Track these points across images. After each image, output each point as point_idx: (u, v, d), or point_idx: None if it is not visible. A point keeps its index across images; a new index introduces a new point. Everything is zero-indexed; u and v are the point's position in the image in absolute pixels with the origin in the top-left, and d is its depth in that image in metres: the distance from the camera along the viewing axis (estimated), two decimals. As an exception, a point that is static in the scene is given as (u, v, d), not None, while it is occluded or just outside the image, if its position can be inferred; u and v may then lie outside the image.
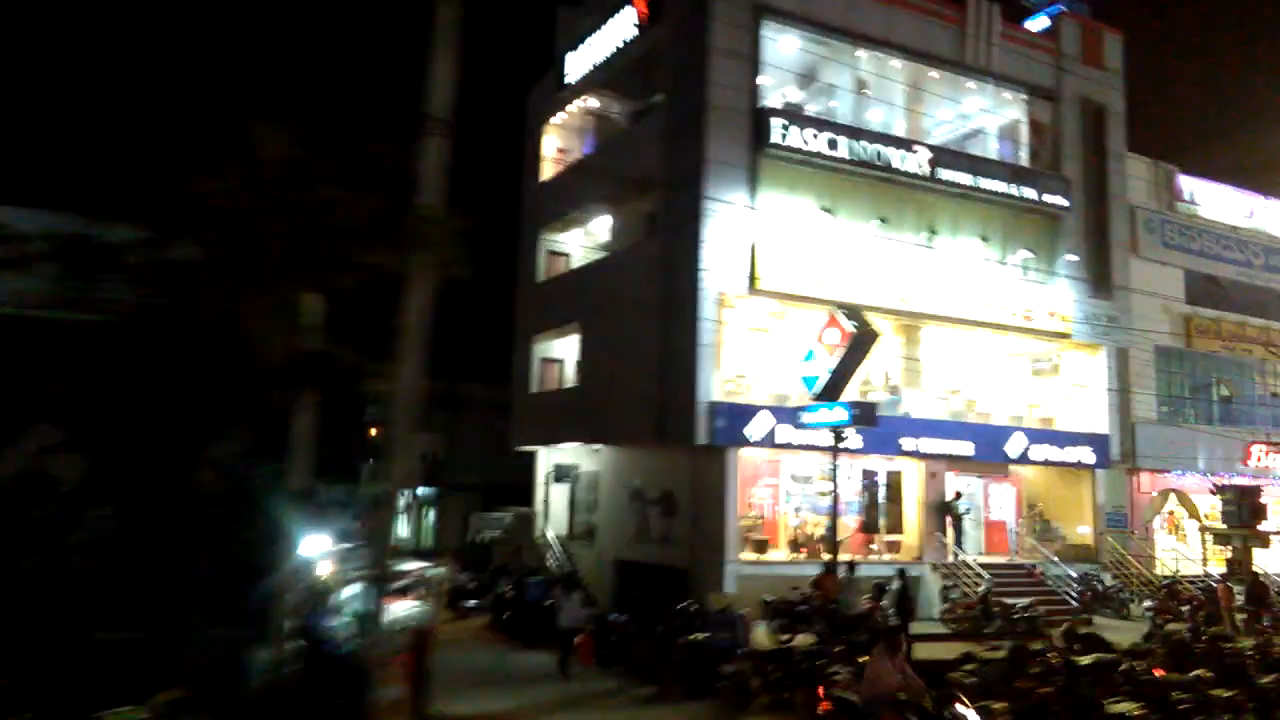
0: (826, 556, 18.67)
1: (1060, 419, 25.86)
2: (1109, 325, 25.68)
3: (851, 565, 18.51)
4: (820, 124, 22.16)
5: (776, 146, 21.29)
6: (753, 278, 20.78)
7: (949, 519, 22.85)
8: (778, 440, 20.55)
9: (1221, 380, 29.53)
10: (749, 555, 21.23)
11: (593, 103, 27.09)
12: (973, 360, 27.82)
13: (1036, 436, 24.22)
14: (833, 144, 21.85)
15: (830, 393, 19.02)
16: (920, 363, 23.99)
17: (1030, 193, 24.56)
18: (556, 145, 28.97)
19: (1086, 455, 24.76)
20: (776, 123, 21.28)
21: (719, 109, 21.10)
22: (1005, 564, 23.40)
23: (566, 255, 28.40)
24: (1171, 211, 28.66)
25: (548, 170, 29.02)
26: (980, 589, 20.29)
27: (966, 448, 22.95)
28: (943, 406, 25.29)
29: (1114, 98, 26.91)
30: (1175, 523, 30.17)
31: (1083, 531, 25.51)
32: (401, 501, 41.33)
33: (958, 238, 24.10)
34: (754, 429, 20.37)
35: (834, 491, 18.45)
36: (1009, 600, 19.89)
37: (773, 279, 20.88)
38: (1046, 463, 24.39)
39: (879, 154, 22.44)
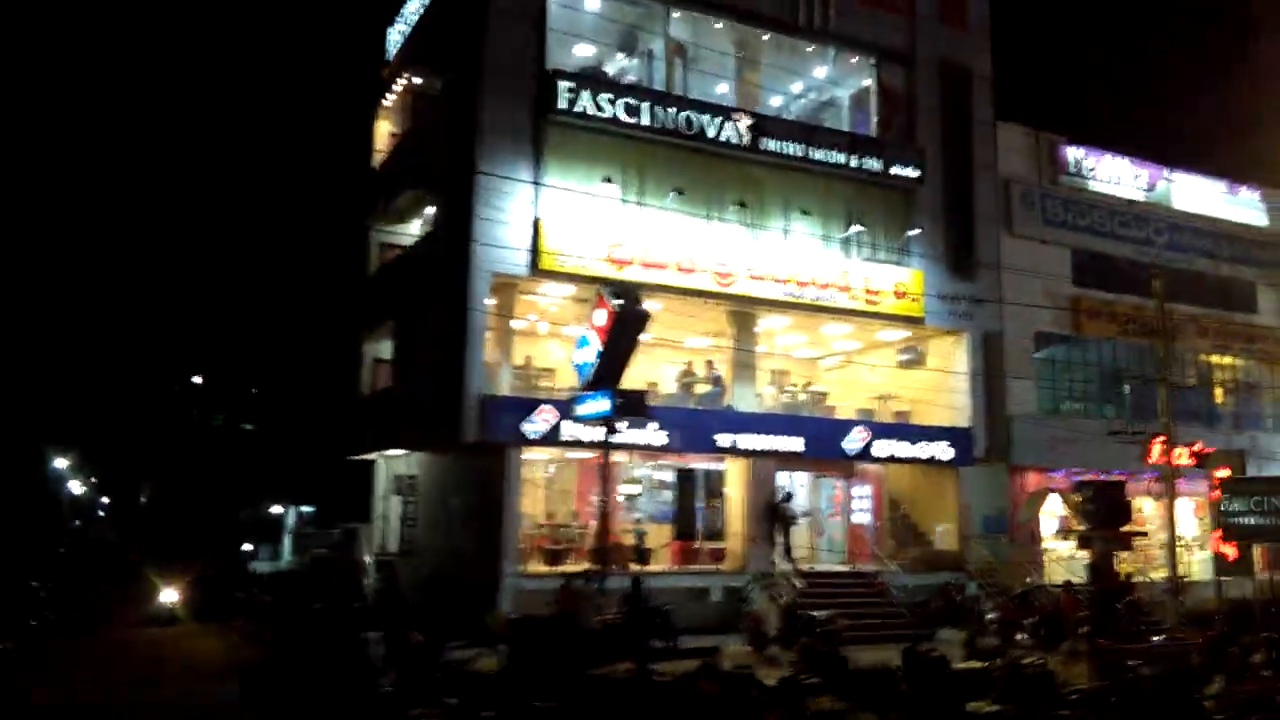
0: (581, 567, 16.52)
1: (928, 413, 23.64)
2: (971, 308, 23.46)
3: (587, 575, 16.38)
4: (616, 88, 20.09)
5: (565, 113, 19.21)
6: (536, 258, 18.69)
7: (779, 523, 20.62)
8: (563, 437, 18.38)
9: (1121, 370, 27.19)
10: (539, 567, 19.07)
11: (416, 80, 25.09)
12: (827, 350, 25.74)
13: (883, 431, 21.97)
14: (633, 110, 19.75)
15: (602, 381, 16.82)
16: (754, 353, 21.85)
17: (874, 164, 22.38)
18: (389, 129, 26.98)
19: (944, 451, 22.48)
20: (563, 86, 19.21)
21: (497, 72, 19.07)
22: (844, 572, 21.17)
23: (400, 248, 26.37)
24: (1054, 185, 26.37)
25: (382, 156, 27.03)
26: (783, 600, 18.09)
27: (795, 444, 20.72)
28: (783, 400, 23.24)
29: (979, 61, 24.74)
30: (1073, 525, 27.85)
31: (948, 535, 23.25)
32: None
33: (792, 215, 21.94)
34: (534, 425, 18.22)
35: (603, 494, 16.29)
36: (815, 613, 17.64)
37: (562, 259, 18.79)
38: (892, 459, 22.12)
39: (690, 121, 20.32)
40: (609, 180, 19.62)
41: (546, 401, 18.33)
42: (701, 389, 21.33)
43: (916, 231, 22.63)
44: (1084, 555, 24.13)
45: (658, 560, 20.43)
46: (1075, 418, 25.68)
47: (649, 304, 18.69)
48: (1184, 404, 28.03)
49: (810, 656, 14.24)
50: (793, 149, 21.38)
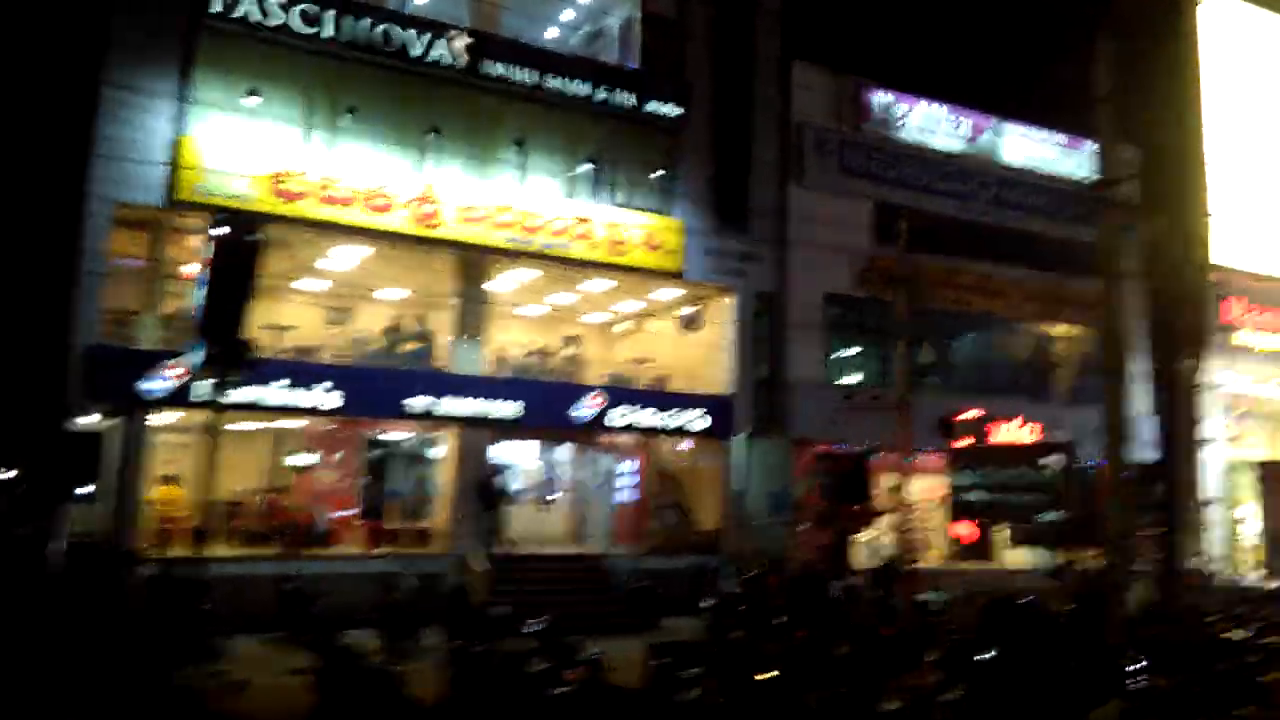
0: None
1: (701, 381, 21.31)
2: (743, 264, 21.06)
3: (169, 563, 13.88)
4: (291, -10, 17.26)
5: (223, 19, 16.41)
6: (175, 187, 15.95)
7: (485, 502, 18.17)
8: (194, 397, 15.72)
9: (925, 339, 24.97)
10: (183, 551, 16.49)
11: None
12: (603, 310, 23.27)
13: (622, 397, 19.55)
14: (311, 19, 16.97)
15: (210, 327, 14.17)
16: (487, 306, 19.36)
17: (627, 99, 19.82)
18: None
19: (698, 422, 20.14)
20: (219, -13, 16.42)
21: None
22: (562, 556, 18.82)
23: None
24: (857, 132, 23.95)
25: None
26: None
27: (510, 409, 18.24)
28: (530, 363, 20.78)
29: (768, -10, 22.25)
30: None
31: (714, 515, 20.99)
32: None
33: (532, 153, 19.36)
34: (156, 383, 15.56)
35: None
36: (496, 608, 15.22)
37: (205, 189, 16.03)
38: (632, 429, 19.73)
39: (388, 37, 17.61)
40: (254, 94, 16.78)
41: (173, 354, 15.60)
42: (406, 348, 18.78)
43: (661, 173, 20.13)
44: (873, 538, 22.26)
45: (352, 542, 18.01)
46: (874, 388, 23.44)
47: (356, 248, 16.35)
48: (1013, 378, 26.18)
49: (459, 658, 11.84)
50: (522, 76, 18.74)
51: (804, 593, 15.62)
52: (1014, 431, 24.71)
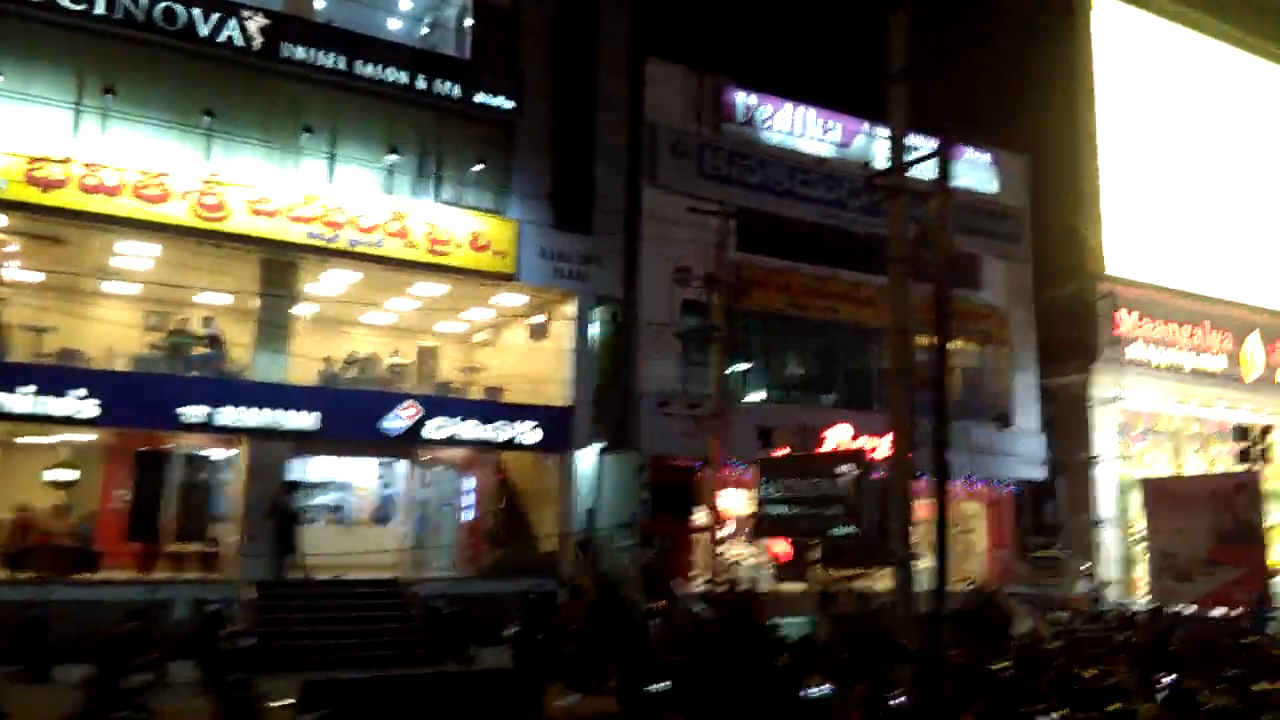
0: None
1: (546, 392, 19.91)
2: (585, 268, 19.77)
3: None
4: (55, -36, 15.89)
5: (-23, -7, 15.02)
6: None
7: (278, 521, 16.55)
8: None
9: (793, 349, 23.87)
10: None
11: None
12: (441, 315, 21.85)
13: (440, 408, 18.07)
14: (80, -7, 15.61)
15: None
16: (295, 309, 17.91)
17: (451, 90, 18.58)
18: None
19: (529, 435, 18.69)
20: (-31, -43, 15.03)
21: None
22: (370, 580, 17.20)
23: None
24: (717, 134, 22.88)
25: None
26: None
27: (304, 420, 16.69)
28: (351, 373, 19.28)
29: (614, -17, 21.19)
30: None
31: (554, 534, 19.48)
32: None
33: (342, 143, 18.00)
34: None
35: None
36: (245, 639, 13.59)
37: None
38: (454, 442, 18.24)
39: (170, 15, 16.24)
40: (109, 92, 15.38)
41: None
42: (193, 351, 17.20)
43: (493, 169, 18.84)
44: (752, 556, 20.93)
45: (124, 566, 16.30)
46: (702, 398, 22.13)
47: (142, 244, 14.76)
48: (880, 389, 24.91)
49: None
50: (328, 61, 17.45)
51: (603, 619, 14.14)
52: (876, 449, 23.51)
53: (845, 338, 24.26)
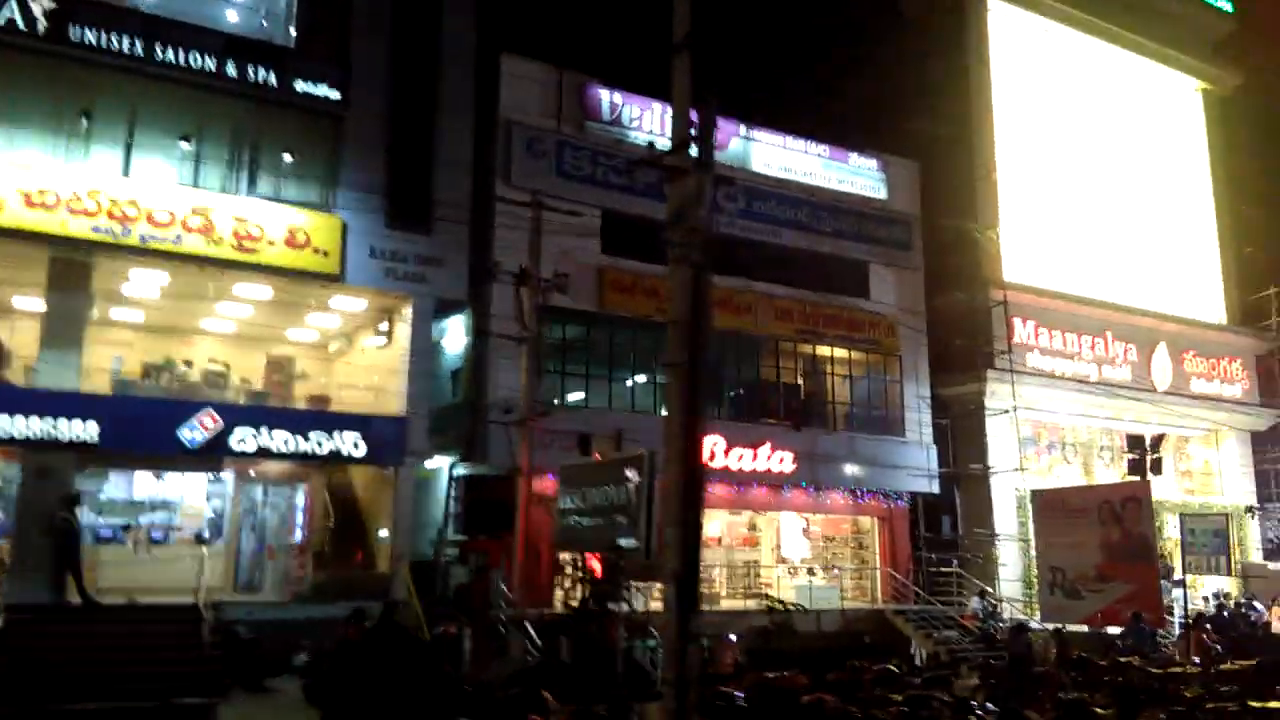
0: None
1: (385, 401, 18.66)
2: (424, 269, 18.58)
3: None
4: None
5: None
6: None
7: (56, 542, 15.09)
8: None
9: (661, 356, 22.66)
10: None
11: None
12: (284, 322, 20.57)
13: (246, 417, 16.72)
14: None
15: None
16: (88, 311, 16.61)
17: (267, 77, 17.43)
18: None
19: (353, 447, 17.37)
20: None
21: None
22: (162, 606, 15.72)
23: None
24: (580, 132, 21.89)
25: None
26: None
27: (84, 430, 15.29)
28: (163, 382, 17.93)
29: (457, -29, 20.20)
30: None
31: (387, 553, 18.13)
32: None
33: (144, 133, 16.77)
34: None
35: None
36: None
37: None
38: (266, 454, 16.85)
39: (-66, -8, 15.05)
40: None
41: None
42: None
43: (292, 159, 17.65)
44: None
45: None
46: (599, 411, 21.03)
47: None
48: (766, 401, 23.88)
49: None
50: (123, 46, 16.25)
51: (383, 645, 12.80)
52: (752, 460, 22.41)
53: (725, 346, 23.17)
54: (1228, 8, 34.21)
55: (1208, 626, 19.54)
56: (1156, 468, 22.03)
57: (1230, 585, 28.83)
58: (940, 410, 26.03)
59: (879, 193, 25.86)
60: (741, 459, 22.38)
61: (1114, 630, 19.93)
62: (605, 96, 22.22)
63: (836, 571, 24.61)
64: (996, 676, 15.73)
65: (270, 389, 18.75)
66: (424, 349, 18.72)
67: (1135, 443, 22.57)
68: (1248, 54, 33.93)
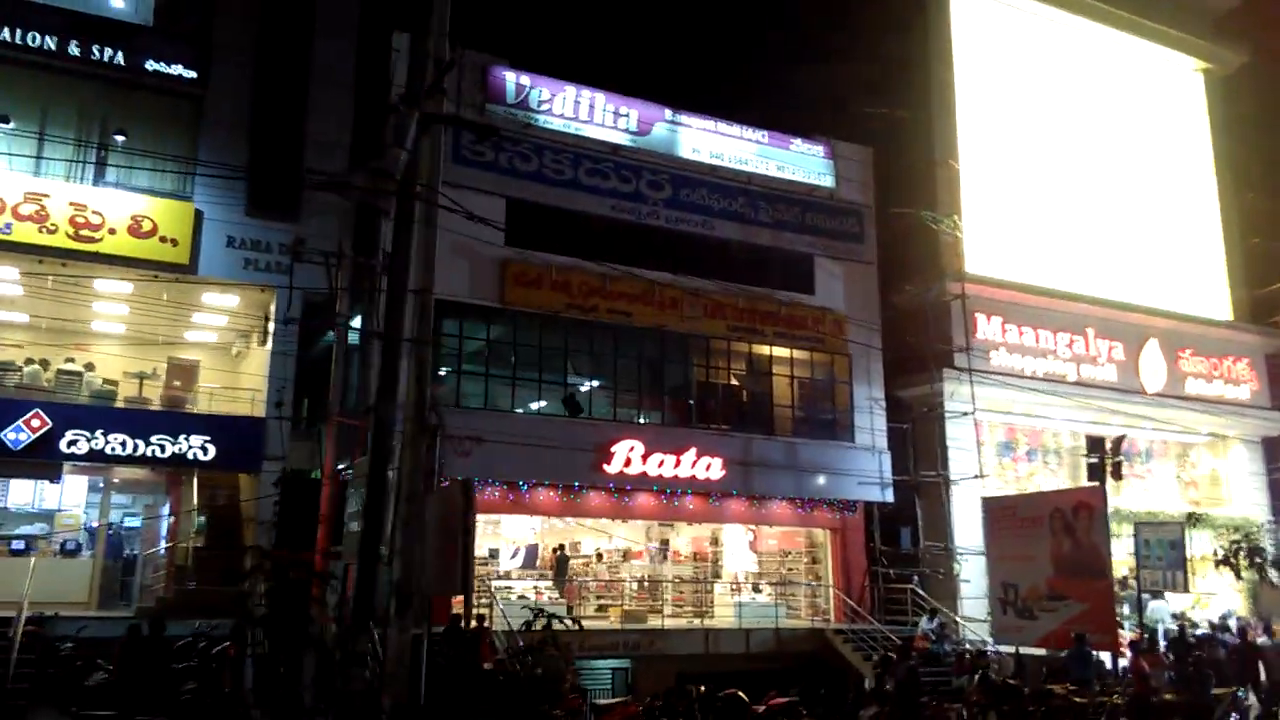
0: None
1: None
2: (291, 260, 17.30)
3: None
4: None
5: None
6: None
7: None
8: None
9: (582, 354, 21.17)
10: None
11: None
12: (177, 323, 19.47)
13: (81, 420, 15.54)
14: None
15: None
16: None
17: (114, 56, 16.41)
18: None
19: (201, 450, 16.12)
20: None
21: None
22: None
23: None
24: (481, 116, 20.48)
25: None
26: None
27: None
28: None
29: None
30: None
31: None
32: None
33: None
34: None
35: None
36: None
37: None
38: (101, 457, 15.68)
39: None
40: None
41: None
42: None
43: (120, 138, 16.56)
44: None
45: None
46: (501, 413, 19.57)
47: None
48: (695, 402, 22.19)
49: None
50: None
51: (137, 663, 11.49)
52: (674, 467, 20.69)
53: (647, 344, 21.56)
54: (1230, -19, 31.82)
55: (1166, 652, 17.31)
56: (1117, 472, 19.86)
57: (1242, 605, 26.32)
58: (899, 414, 24.04)
59: (826, 180, 24.03)
60: (663, 465, 20.68)
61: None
62: (510, 78, 20.86)
63: (781, 588, 22.70)
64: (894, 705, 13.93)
65: (170, 393, 17.56)
66: (288, 346, 17.40)
67: (1095, 445, 20.41)
68: (1253, 30, 31.39)
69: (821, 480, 22.47)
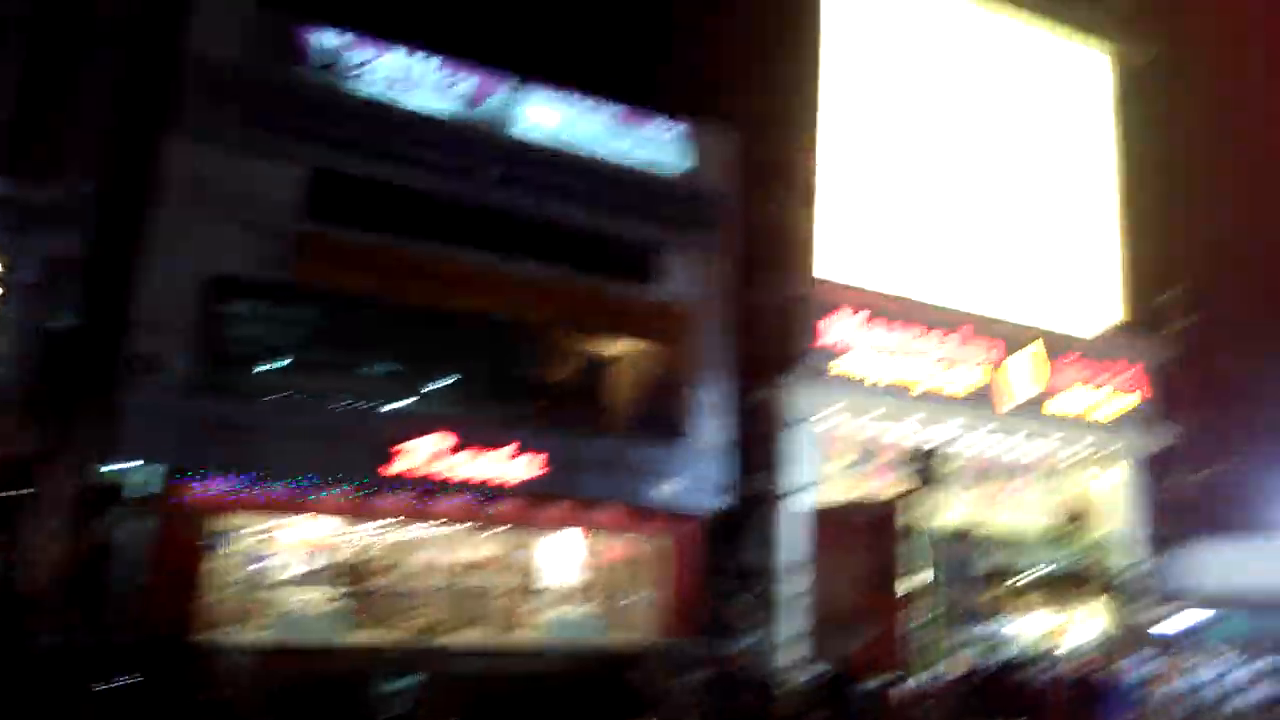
0: None
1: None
2: (36, 223, 15.76)
3: None
4: None
5: None
6: None
7: None
8: None
9: (393, 341, 19.77)
10: None
11: None
12: None
13: None
14: None
15: None
16: None
17: None
18: None
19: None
20: None
21: None
22: None
23: None
24: (286, 78, 18.86)
25: None
26: None
27: None
28: None
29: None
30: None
31: None
32: None
33: None
34: None
35: None
36: None
37: None
38: None
39: None
40: None
41: None
42: None
43: None
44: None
45: None
46: (289, 399, 18.18)
47: None
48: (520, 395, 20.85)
49: None
50: None
51: None
52: (491, 464, 19.36)
53: (463, 330, 20.18)
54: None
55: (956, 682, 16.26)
56: (928, 479, 18.71)
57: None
58: (747, 418, 22.76)
59: (683, 165, 22.59)
60: (476, 462, 19.34)
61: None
62: (319, 37, 19.24)
63: (604, 601, 21.41)
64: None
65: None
66: (35, 319, 15.89)
67: (916, 454, 19.28)
68: (1171, 17, 29.88)
69: (655, 484, 21.17)
